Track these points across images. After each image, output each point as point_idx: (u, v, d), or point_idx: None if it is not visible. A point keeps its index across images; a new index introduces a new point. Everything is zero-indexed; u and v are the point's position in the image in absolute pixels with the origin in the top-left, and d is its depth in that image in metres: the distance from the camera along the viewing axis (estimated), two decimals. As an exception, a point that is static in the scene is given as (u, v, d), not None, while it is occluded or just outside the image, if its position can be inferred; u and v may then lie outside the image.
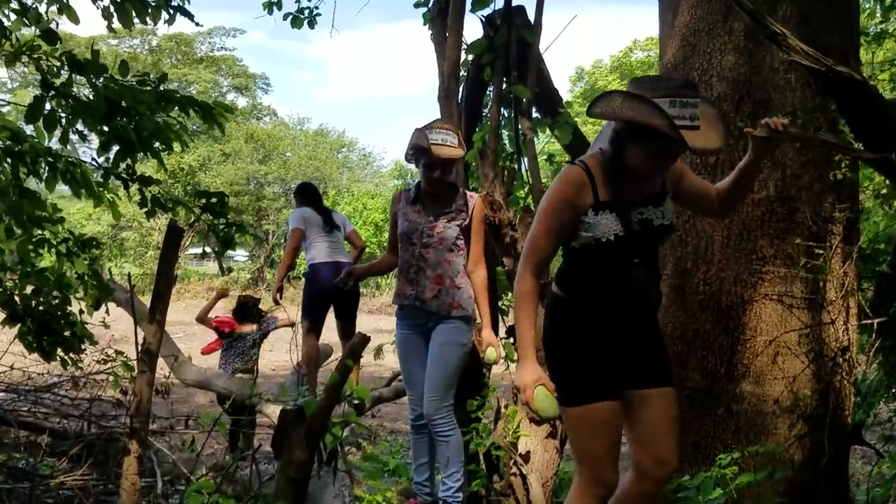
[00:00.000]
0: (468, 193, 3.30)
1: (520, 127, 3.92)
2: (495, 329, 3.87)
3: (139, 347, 3.00)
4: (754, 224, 3.03)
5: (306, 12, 6.65)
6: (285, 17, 6.62)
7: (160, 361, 6.24)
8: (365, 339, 3.28)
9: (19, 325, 2.94)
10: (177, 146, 2.99)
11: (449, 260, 3.22)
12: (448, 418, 3.19)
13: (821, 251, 2.89)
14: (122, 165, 2.84)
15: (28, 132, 2.97)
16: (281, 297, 5.47)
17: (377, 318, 22.50)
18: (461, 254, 3.25)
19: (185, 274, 29.57)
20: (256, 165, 29.78)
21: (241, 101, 37.68)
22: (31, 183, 3.08)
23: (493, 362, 3.32)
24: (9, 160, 2.78)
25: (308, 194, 5.73)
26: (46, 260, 2.95)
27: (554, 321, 2.34)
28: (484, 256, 3.28)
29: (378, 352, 7.00)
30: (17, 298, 2.74)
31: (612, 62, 29.69)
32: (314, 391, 5.10)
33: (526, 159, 3.88)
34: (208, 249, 32.12)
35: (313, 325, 5.49)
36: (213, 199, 2.85)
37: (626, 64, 28.17)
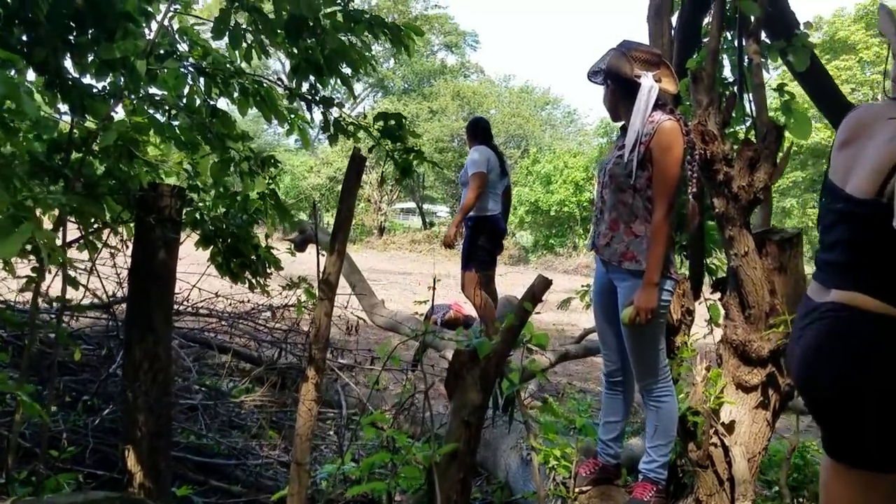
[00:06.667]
0: (652, 118, 2.69)
1: (744, 50, 3.35)
2: (696, 290, 3.39)
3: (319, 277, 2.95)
4: None
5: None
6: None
7: (354, 301, 6.47)
8: (546, 283, 2.99)
9: (212, 246, 3.00)
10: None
11: (623, 201, 2.76)
12: (663, 384, 2.83)
13: None
14: (305, 86, 2.78)
15: (222, 53, 3.00)
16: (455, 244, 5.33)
17: (573, 278, 22.10)
18: (643, 194, 2.73)
19: (391, 227, 31.07)
20: (461, 123, 30.23)
21: (451, 59, 38.50)
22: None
23: (624, 323, 2.77)
24: (202, 79, 2.81)
25: (486, 130, 5.47)
26: (232, 180, 2.99)
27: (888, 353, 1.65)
28: (665, 193, 2.68)
29: (565, 303, 6.69)
30: (207, 219, 2.78)
31: (857, 10, 26.08)
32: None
33: (750, 88, 3.31)
34: (412, 205, 33.42)
35: (490, 277, 5.32)
36: (392, 122, 2.69)
37: (874, 13, 24.54)
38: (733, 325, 3.04)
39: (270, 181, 2.79)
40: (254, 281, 3.01)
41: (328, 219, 30.37)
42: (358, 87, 38.89)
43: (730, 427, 3.02)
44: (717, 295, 3.28)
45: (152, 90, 3.13)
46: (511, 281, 18.80)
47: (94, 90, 2.99)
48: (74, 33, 2.89)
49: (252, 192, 2.75)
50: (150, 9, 2.99)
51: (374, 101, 36.87)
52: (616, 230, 2.77)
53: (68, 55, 2.92)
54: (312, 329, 3.05)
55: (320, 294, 3.01)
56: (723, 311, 3.17)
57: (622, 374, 2.96)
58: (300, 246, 5.21)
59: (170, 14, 3.13)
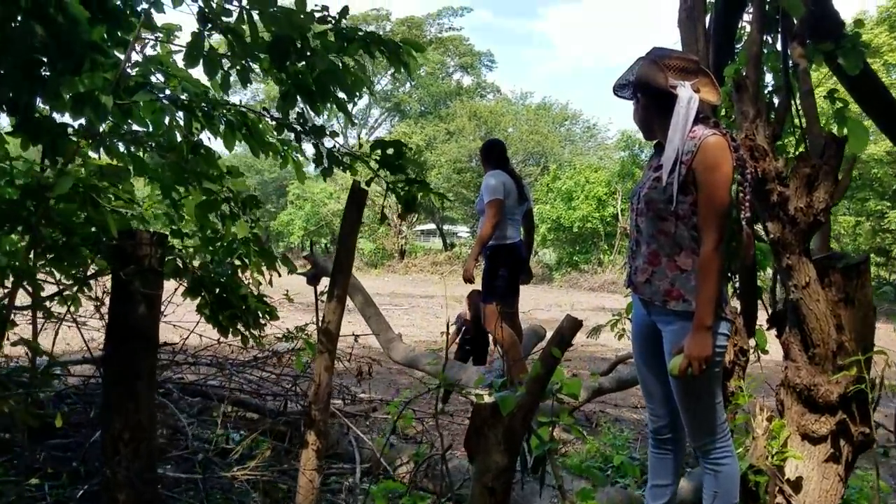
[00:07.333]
0: (694, 133, 2.30)
1: (789, 54, 2.98)
2: (749, 326, 2.99)
3: (319, 326, 2.61)
4: None
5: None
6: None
7: (372, 339, 6.11)
8: (576, 324, 2.63)
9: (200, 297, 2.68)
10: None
11: (664, 231, 2.36)
12: (721, 443, 2.41)
13: None
14: (293, 114, 2.46)
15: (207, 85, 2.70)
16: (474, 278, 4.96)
17: (599, 295, 21.59)
18: (687, 222, 2.34)
19: (412, 249, 30.81)
20: (478, 143, 29.98)
21: (467, 80, 38.42)
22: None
23: (673, 374, 2.34)
24: (181, 114, 2.51)
25: (500, 153, 5.08)
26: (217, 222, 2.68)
27: None
28: (714, 221, 2.25)
29: (595, 331, 6.28)
30: (188, 267, 2.46)
31: (879, 13, 25.37)
32: (516, 379, 4.55)
33: (797, 96, 2.94)
34: (432, 226, 33.16)
35: (511, 307, 4.92)
36: (390, 151, 2.36)
37: (896, 14, 23.80)
38: (795, 367, 2.66)
39: (253, 224, 2.46)
40: (246, 334, 2.67)
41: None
42: (374, 113, 38.97)
43: (796, 485, 2.62)
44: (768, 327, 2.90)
45: (133, 126, 2.87)
46: (535, 300, 18.40)
47: (70, 129, 2.72)
48: (45, 67, 2.61)
49: (239, 234, 2.42)
50: (129, 38, 2.72)
51: (392, 126, 36.81)
52: (657, 264, 2.38)
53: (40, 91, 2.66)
54: (312, 386, 2.71)
55: (320, 346, 2.67)
56: (783, 351, 2.79)
57: (671, 430, 2.55)
58: (312, 280, 4.89)
59: (150, 43, 2.85)
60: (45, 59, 2.50)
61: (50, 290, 2.97)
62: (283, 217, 33.10)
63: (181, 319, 3.83)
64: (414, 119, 35.01)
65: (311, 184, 31.57)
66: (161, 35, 2.83)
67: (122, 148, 2.73)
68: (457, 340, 6.90)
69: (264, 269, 2.53)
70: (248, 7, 2.22)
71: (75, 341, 3.11)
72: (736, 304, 3.08)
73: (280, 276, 2.61)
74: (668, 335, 2.37)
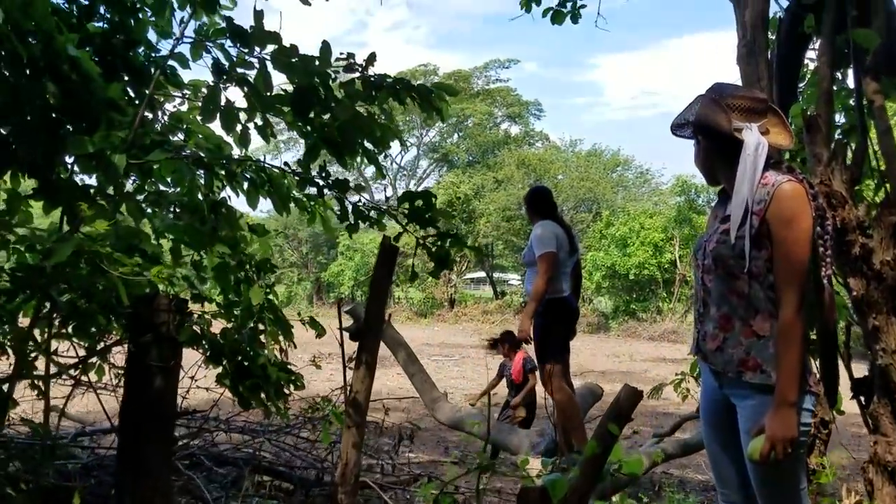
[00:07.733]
0: (765, 181, 2.04)
1: (862, 90, 2.70)
2: (830, 396, 2.63)
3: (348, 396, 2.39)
4: None
5: (569, 6, 6.02)
6: (545, 13, 6.03)
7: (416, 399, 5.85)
8: (635, 395, 2.34)
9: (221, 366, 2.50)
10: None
11: (737, 291, 2.08)
12: None
13: None
14: (315, 168, 2.30)
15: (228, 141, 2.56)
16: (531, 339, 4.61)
17: (659, 345, 20.82)
18: (763, 281, 2.06)
19: (462, 298, 30.53)
20: (527, 190, 29.76)
21: (514, 129, 38.56)
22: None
23: (753, 459, 2.02)
24: (201, 172, 2.36)
25: (548, 201, 4.81)
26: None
27: None
28: (793, 281, 1.98)
29: (656, 391, 5.87)
30: (206, 333, 2.29)
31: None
32: (568, 446, 4.21)
33: (875, 136, 2.65)
34: (482, 274, 32.90)
35: (567, 367, 4.57)
36: (419, 202, 2.16)
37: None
38: (887, 443, 2.31)
39: (268, 290, 2.28)
40: (269, 406, 2.47)
41: (399, 293, 30.12)
42: (423, 164, 39.38)
43: (898, 582, 2.25)
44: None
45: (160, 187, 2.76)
46: (591, 350, 17.83)
47: (92, 190, 2.61)
48: (69, 127, 2.52)
49: (253, 301, 2.23)
50: (156, 96, 2.63)
51: (440, 175, 37.03)
52: (729, 330, 2.09)
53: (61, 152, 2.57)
54: (339, 466, 2.48)
55: (347, 420, 2.45)
56: (865, 422, 2.44)
57: (747, 519, 2.22)
58: (355, 336, 4.69)
59: (177, 100, 2.75)
60: (63, 119, 2.42)
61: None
62: (334, 268, 33.31)
63: (213, 384, 3.68)
64: (462, 169, 35.13)
65: (361, 234, 31.80)
66: (189, 92, 2.74)
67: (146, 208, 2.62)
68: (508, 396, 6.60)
69: (281, 338, 2.34)
70: (266, 57, 2.07)
71: (107, 407, 2.96)
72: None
73: (296, 347, 2.40)
74: (745, 412, 2.05)
